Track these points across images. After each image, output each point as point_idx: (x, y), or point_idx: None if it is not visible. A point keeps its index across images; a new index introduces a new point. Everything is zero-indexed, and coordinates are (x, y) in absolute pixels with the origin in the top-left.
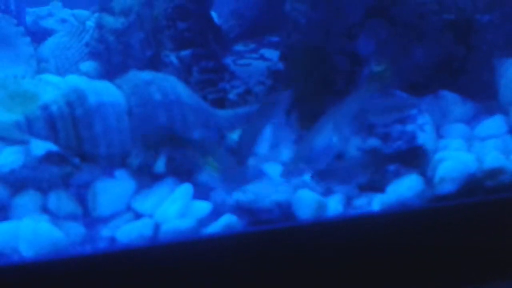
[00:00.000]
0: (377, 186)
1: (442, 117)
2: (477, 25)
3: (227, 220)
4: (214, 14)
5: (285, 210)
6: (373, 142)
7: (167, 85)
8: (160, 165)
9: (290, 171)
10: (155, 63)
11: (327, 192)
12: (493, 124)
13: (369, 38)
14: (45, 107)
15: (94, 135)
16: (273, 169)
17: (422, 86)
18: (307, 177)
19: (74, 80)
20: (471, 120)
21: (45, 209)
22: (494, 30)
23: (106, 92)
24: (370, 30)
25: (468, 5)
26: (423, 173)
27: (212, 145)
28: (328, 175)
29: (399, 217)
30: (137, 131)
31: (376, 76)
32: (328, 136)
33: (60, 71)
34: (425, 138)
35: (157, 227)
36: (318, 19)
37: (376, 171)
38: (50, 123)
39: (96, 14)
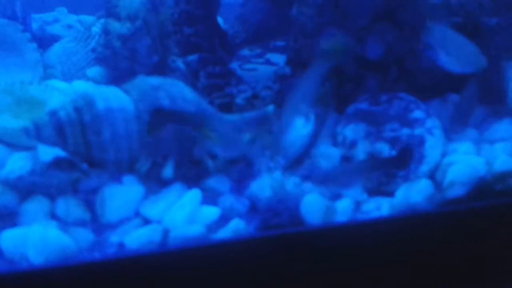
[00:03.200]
0: (386, 191)
1: (450, 120)
2: (484, 28)
3: (236, 225)
4: (219, 20)
5: (294, 214)
6: (381, 146)
7: (175, 90)
8: (168, 170)
9: (270, 167)
10: (161, 69)
11: (336, 197)
12: (502, 127)
13: (376, 41)
14: (53, 113)
15: (102, 140)
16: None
17: (430, 90)
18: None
19: (80, 86)
20: (480, 124)
21: (53, 215)
22: (502, 33)
23: (114, 98)
24: (377, 34)
25: (475, 8)
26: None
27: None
28: (331, 179)
29: (409, 222)
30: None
31: (326, 52)
32: (293, 122)
33: (67, 77)
34: (433, 141)
35: (166, 233)
36: (325, 24)
37: (381, 175)
38: (59, 129)
39: (102, 20)
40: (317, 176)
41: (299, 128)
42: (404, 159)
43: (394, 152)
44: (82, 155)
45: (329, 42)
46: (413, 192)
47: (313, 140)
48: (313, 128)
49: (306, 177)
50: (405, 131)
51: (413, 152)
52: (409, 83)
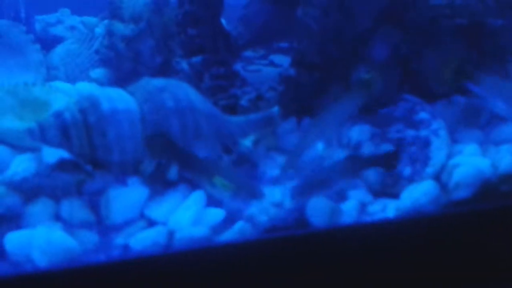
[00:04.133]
0: (391, 192)
1: (456, 122)
2: (489, 29)
3: (241, 227)
4: (223, 21)
5: (299, 217)
6: (387, 147)
7: (179, 91)
8: (173, 172)
9: (280, 177)
10: (165, 70)
11: (341, 199)
12: (508, 129)
13: (383, 43)
14: (58, 115)
15: (107, 142)
16: None
17: (435, 91)
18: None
19: (84, 87)
20: (486, 125)
21: (58, 217)
22: (507, 34)
23: (119, 99)
24: (382, 36)
25: (480, 9)
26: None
27: (218, 164)
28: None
29: (414, 223)
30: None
31: (363, 83)
32: (314, 143)
33: (70, 78)
34: (438, 143)
35: (170, 234)
36: (331, 25)
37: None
38: (63, 131)
39: (105, 21)
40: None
41: (319, 151)
42: (390, 160)
43: (378, 151)
44: (86, 156)
45: (369, 74)
46: (419, 194)
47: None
48: (330, 154)
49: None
50: (410, 133)
51: (399, 153)
52: (415, 84)
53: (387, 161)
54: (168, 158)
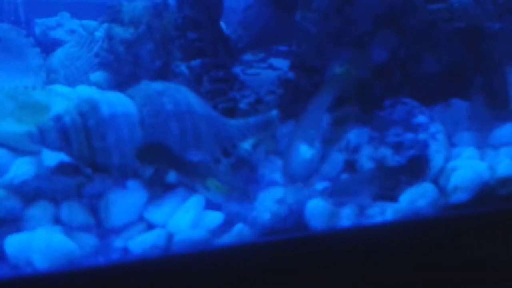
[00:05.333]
0: (390, 195)
1: (454, 125)
2: (488, 33)
3: (240, 230)
4: (222, 24)
5: (298, 219)
6: (385, 151)
7: (179, 95)
8: (172, 175)
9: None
10: (164, 73)
11: (340, 202)
12: (506, 132)
13: (381, 46)
14: (58, 118)
15: (106, 145)
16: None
17: (433, 94)
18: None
19: (84, 91)
20: (483, 128)
21: (57, 220)
22: (505, 38)
23: (118, 103)
24: (381, 39)
25: (478, 13)
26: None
27: (211, 167)
28: (339, 191)
29: (412, 226)
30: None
31: (337, 78)
32: (298, 147)
33: (70, 82)
34: (437, 146)
35: (170, 237)
36: (329, 28)
37: (387, 181)
38: (63, 134)
39: (105, 25)
40: (328, 189)
41: (303, 153)
42: (416, 168)
43: (403, 161)
44: (86, 160)
45: (342, 67)
46: (417, 197)
47: (319, 163)
48: (317, 153)
49: (317, 192)
50: (409, 136)
51: (426, 160)
52: (413, 88)
53: (413, 169)
54: (161, 165)
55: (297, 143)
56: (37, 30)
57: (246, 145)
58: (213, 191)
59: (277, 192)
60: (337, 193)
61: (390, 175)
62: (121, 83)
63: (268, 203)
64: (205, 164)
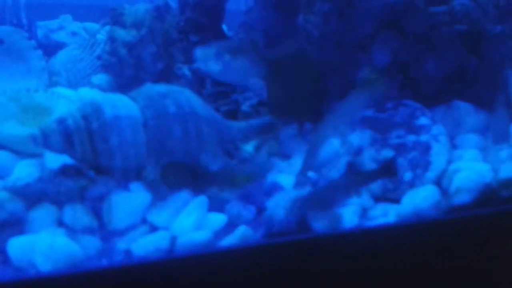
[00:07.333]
0: (392, 197)
1: (455, 127)
2: (488, 35)
3: (243, 232)
4: (224, 27)
5: (301, 222)
6: (387, 153)
7: (181, 97)
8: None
9: (300, 182)
10: (166, 76)
11: (342, 204)
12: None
13: (383, 49)
14: (61, 121)
15: (110, 148)
16: (288, 181)
17: (434, 97)
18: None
19: (86, 93)
20: (485, 130)
21: (61, 223)
22: (506, 40)
23: (121, 105)
24: (383, 42)
25: (480, 16)
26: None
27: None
28: (340, 189)
29: (415, 228)
30: (152, 144)
31: (368, 82)
32: (329, 140)
33: (72, 84)
34: (439, 148)
35: (173, 239)
36: (331, 31)
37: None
38: (66, 137)
39: (107, 27)
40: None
41: (335, 146)
42: (390, 170)
43: (375, 166)
44: (89, 162)
45: (373, 74)
46: (420, 199)
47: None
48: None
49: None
50: (411, 138)
51: (396, 161)
52: (415, 90)
53: (388, 170)
54: (186, 182)
55: (327, 138)
56: (39, 33)
57: (249, 147)
58: (245, 184)
59: (280, 193)
60: (311, 201)
61: (362, 180)
62: (123, 85)
63: (271, 205)
64: (225, 170)
